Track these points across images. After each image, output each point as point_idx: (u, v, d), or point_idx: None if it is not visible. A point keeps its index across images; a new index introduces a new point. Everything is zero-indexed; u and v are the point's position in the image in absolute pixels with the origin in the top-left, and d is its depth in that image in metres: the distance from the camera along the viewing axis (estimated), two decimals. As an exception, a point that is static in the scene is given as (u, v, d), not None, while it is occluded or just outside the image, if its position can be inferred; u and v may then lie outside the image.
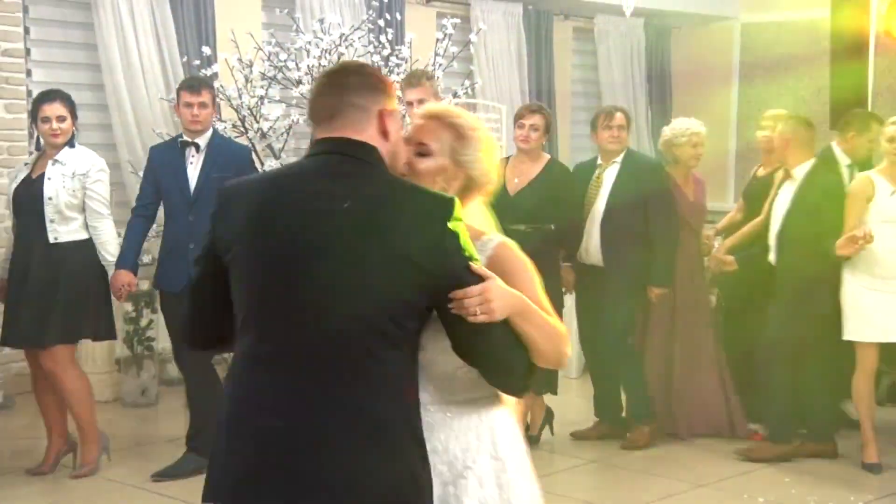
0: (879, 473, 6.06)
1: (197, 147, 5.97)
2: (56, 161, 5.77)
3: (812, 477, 5.98)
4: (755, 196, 6.77)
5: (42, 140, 5.95)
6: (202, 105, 5.94)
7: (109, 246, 5.80)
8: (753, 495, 5.67)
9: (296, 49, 7.49)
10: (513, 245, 2.69)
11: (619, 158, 6.49)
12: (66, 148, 5.83)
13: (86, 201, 5.78)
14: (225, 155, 6.02)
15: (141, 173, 6.49)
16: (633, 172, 6.41)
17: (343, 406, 2.41)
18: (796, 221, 6.05)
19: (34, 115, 5.88)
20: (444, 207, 2.50)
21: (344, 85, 2.64)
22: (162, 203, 6.09)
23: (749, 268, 6.40)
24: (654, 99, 11.12)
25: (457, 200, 2.53)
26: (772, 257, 6.20)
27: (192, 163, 5.96)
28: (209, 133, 6.03)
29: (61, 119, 5.78)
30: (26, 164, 5.98)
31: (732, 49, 11.24)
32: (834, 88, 8.68)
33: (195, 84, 6.12)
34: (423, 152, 2.69)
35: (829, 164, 6.52)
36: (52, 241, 5.68)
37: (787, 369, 6.14)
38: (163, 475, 5.84)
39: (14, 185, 5.84)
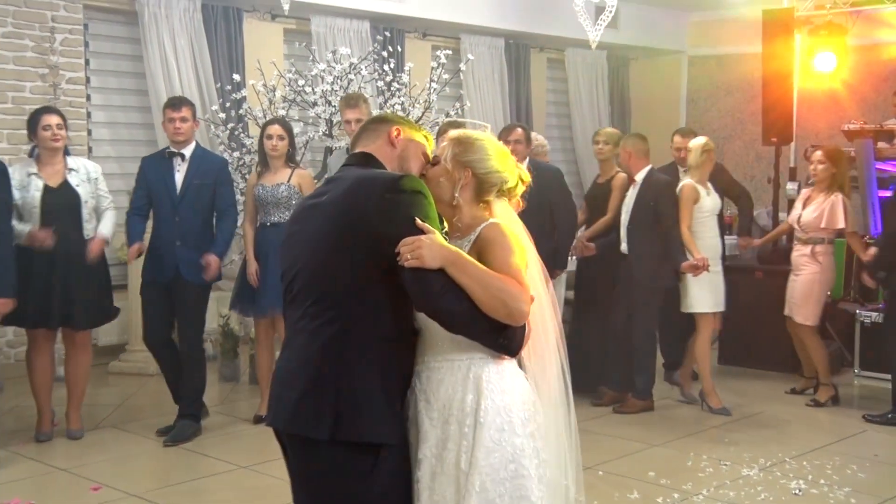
0: (729, 414, 6.48)
1: (182, 157, 5.96)
2: (71, 170, 5.76)
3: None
4: (596, 198, 6.99)
5: (40, 147, 5.78)
6: (183, 119, 5.93)
7: (109, 225, 5.87)
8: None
9: (312, 76, 7.55)
10: (502, 226, 2.72)
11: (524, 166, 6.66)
12: (67, 157, 5.85)
13: (98, 198, 5.88)
14: (206, 164, 6.04)
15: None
16: (537, 178, 6.58)
17: None
18: (639, 215, 6.38)
19: (33, 126, 5.76)
20: (390, 181, 2.64)
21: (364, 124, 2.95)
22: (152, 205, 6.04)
23: (607, 252, 6.66)
24: (615, 119, 11.15)
25: (409, 177, 2.68)
26: (623, 247, 6.48)
27: (178, 170, 5.95)
28: (192, 145, 6.03)
29: (60, 127, 5.77)
30: (31, 173, 5.72)
31: (681, 78, 11.48)
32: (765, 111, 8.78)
33: (177, 102, 6.10)
34: (433, 163, 2.82)
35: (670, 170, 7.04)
36: (87, 237, 5.76)
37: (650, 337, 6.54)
38: (175, 440, 5.86)
39: (37, 194, 5.67)
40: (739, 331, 7.63)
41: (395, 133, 2.84)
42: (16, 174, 5.62)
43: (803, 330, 6.72)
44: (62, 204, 5.72)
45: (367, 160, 2.83)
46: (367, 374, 2.59)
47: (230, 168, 6.59)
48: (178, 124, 5.92)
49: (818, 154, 6.71)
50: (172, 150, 5.99)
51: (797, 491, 5.06)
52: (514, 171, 2.85)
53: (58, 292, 5.69)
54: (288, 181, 6.11)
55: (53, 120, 5.75)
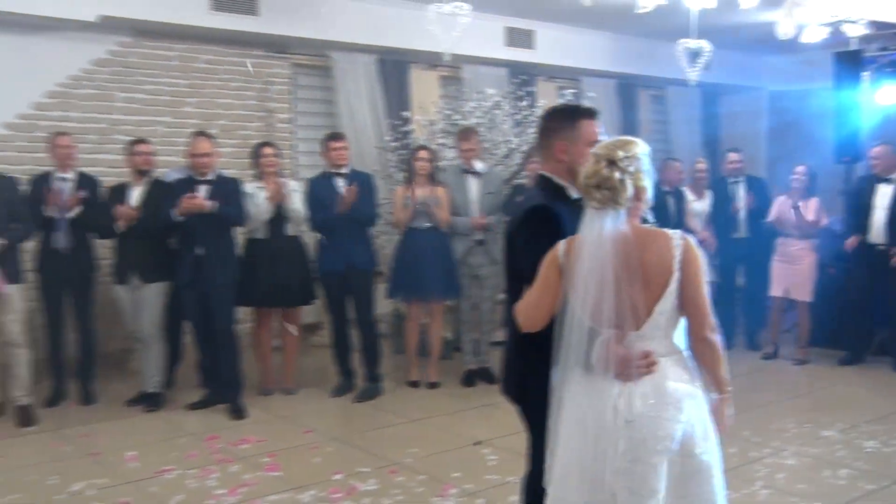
0: None
1: (345, 176, 6.05)
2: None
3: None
4: None
5: (261, 170, 5.98)
6: (344, 148, 6.06)
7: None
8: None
9: (465, 112, 7.67)
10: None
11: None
12: (279, 178, 5.99)
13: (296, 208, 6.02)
14: (360, 179, 6.07)
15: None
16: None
17: None
18: None
19: (256, 155, 6.01)
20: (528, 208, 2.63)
21: (540, 131, 2.80)
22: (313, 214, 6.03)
23: None
24: (708, 146, 10.84)
25: (537, 206, 2.60)
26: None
27: (339, 186, 6.03)
28: (349, 166, 6.13)
29: (275, 155, 6.00)
30: (258, 188, 5.93)
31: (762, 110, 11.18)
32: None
33: (339, 135, 6.21)
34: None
35: None
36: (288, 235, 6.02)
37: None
38: (362, 397, 6.00)
39: (263, 204, 5.89)
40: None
41: (559, 150, 2.70)
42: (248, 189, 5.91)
43: None
44: (276, 211, 5.96)
45: (544, 182, 2.75)
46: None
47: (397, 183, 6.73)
48: (341, 152, 6.06)
49: None
50: (333, 171, 6.06)
51: (870, 449, 4.98)
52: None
53: (276, 280, 5.94)
54: (430, 194, 6.21)
55: (269, 150, 6.07)
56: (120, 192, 5.85)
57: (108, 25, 6.73)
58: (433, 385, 6.37)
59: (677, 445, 2.36)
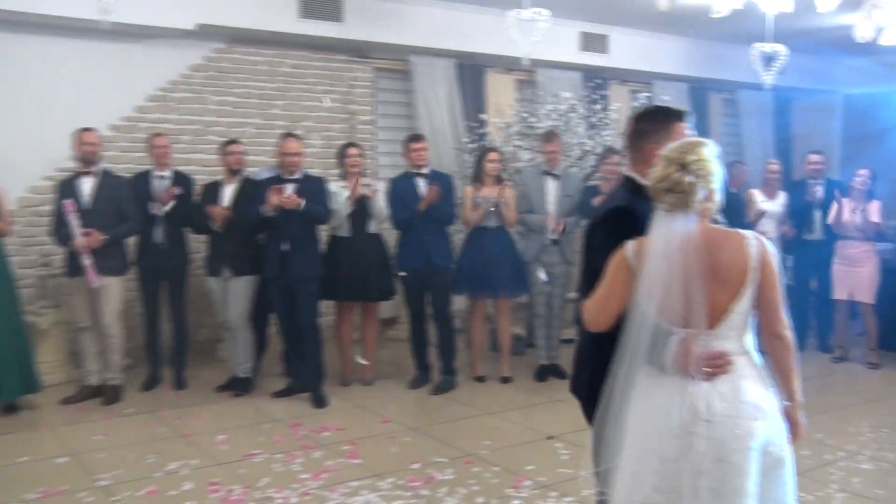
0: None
1: (425, 176, 6.06)
2: (366, 185, 5.97)
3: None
4: None
5: (345, 169, 6.06)
6: (424, 149, 6.06)
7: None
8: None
9: (541, 114, 7.65)
10: None
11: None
12: (362, 176, 6.03)
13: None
14: (440, 179, 6.08)
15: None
16: None
17: None
18: None
19: (341, 156, 6.06)
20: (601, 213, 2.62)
21: (630, 133, 2.68)
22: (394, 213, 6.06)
23: None
24: (779, 149, 10.64)
25: (619, 207, 2.54)
26: None
27: (420, 186, 6.03)
28: (429, 167, 6.16)
29: (359, 155, 6.06)
30: (341, 186, 6.00)
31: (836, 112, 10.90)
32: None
33: (419, 136, 6.21)
34: None
35: None
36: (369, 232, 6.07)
37: None
38: (438, 390, 6.04)
39: (346, 203, 5.97)
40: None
41: (651, 153, 2.54)
42: (333, 187, 5.99)
43: None
44: (359, 209, 6.03)
45: (629, 183, 2.66)
46: None
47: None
48: (421, 153, 6.07)
49: None
50: (415, 171, 6.07)
51: (946, 452, 4.80)
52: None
53: (357, 276, 6.01)
54: (498, 194, 6.21)
55: (354, 151, 6.15)
56: (213, 189, 6.00)
57: (205, 33, 6.91)
58: (506, 380, 6.37)
59: (760, 443, 2.31)
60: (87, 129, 5.74)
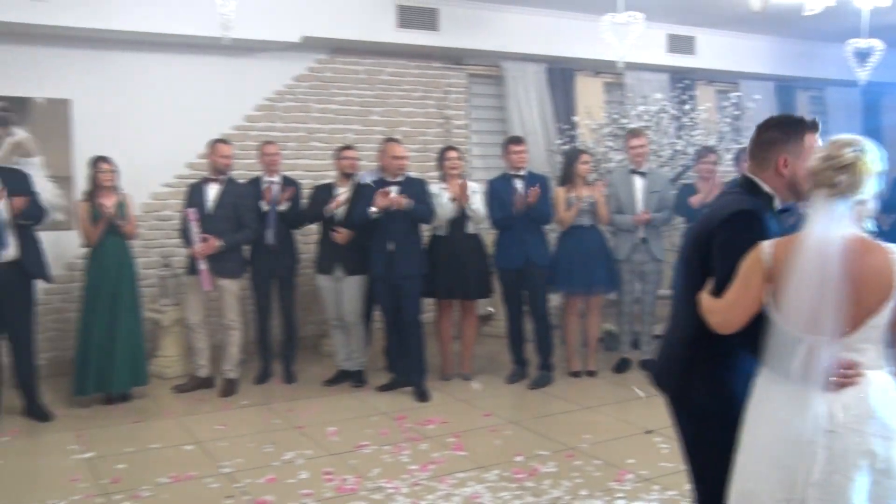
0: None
1: (523, 178, 6.01)
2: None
3: None
4: None
5: (445, 171, 6.02)
6: (523, 151, 5.97)
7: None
8: None
9: (632, 115, 7.54)
10: None
11: None
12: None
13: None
14: (538, 180, 5.98)
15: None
16: None
17: None
18: None
19: (441, 159, 6.04)
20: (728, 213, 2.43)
21: (759, 141, 2.53)
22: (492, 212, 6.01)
23: None
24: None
25: (745, 209, 2.39)
26: None
27: (518, 186, 5.99)
28: (526, 168, 6.10)
29: (458, 158, 6.00)
30: (442, 188, 5.99)
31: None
32: None
33: (517, 139, 6.12)
34: None
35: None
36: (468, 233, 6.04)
37: None
38: (536, 385, 5.99)
39: (448, 204, 5.94)
40: None
41: (782, 163, 2.46)
42: (434, 189, 5.98)
43: None
44: (458, 210, 5.98)
45: (749, 186, 2.53)
46: None
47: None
48: (521, 155, 6.03)
49: None
50: (514, 173, 6.03)
51: None
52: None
53: (457, 274, 6.01)
54: (591, 193, 6.12)
55: (454, 154, 6.13)
56: (325, 190, 6.08)
57: (309, 45, 7.03)
58: (591, 373, 6.34)
59: (882, 464, 2.16)
60: (222, 141, 5.99)
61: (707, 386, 2.47)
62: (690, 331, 2.46)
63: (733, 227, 2.40)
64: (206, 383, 6.02)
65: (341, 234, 5.90)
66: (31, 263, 5.26)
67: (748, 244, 2.31)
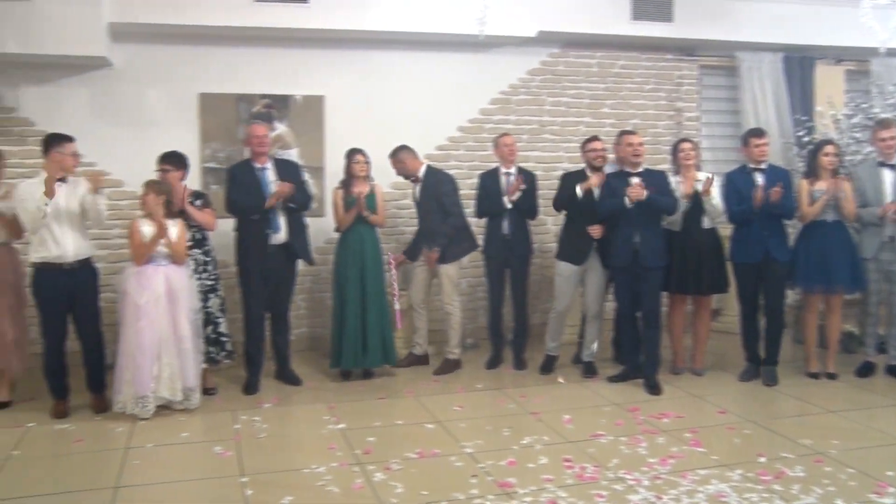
0: None
1: (763, 171, 5.70)
2: (698, 181, 5.74)
3: None
4: None
5: (679, 164, 5.81)
6: (766, 144, 5.70)
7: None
8: None
9: (883, 104, 6.99)
10: None
11: None
12: (697, 171, 5.82)
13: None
14: (779, 175, 5.71)
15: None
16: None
17: None
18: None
19: (673, 152, 5.89)
20: None
21: None
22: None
23: None
24: None
25: None
26: None
27: (758, 180, 5.66)
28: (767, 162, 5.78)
29: (692, 149, 5.78)
30: (678, 182, 5.80)
31: None
32: None
33: (760, 132, 5.79)
34: None
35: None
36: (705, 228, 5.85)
37: None
38: (768, 381, 5.78)
39: (682, 201, 5.76)
40: None
41: None
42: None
43: None
44: (694, 205, 5.76)
45: None
46: None
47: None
48: (763, 148, 5.71)
49: None
50: (753, 166, 5.73)
51: None
52: None
53: (691, 269, 5.80)
54: (836, 187, 5.71)
55: (688, 146, 5.86)
56: (573, 179, 5.97)
57: (544, 39, 7.05)
58: (831, 376, 5.94)
59: None
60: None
61: None
62: None
63: None
64: (421, 360, 6.28)
65: (596, 230, 5.83)
66: (298, 246, 5.68)
67: None
